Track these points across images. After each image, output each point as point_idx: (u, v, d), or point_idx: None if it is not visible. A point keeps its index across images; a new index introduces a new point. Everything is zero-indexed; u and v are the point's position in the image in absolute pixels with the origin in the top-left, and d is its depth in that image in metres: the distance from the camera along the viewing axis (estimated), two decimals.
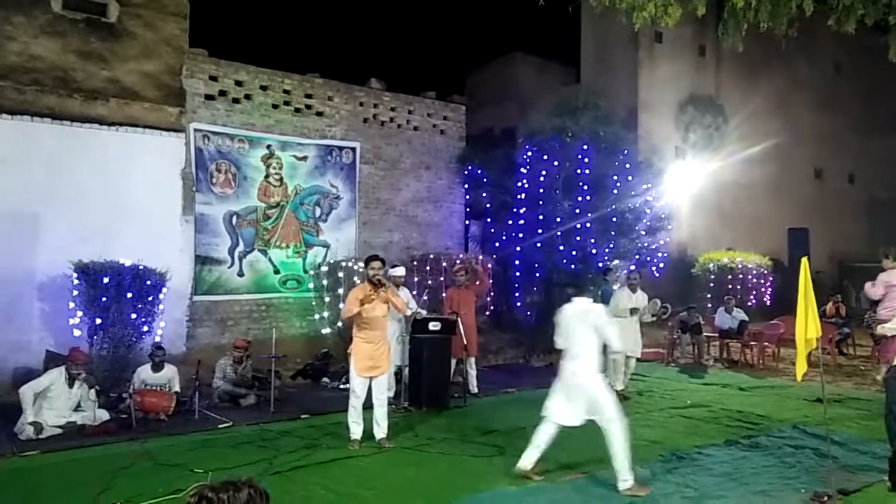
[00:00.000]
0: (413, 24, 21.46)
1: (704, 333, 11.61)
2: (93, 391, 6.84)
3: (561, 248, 11.46)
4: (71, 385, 6.72)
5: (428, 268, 11.18)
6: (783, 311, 12.26)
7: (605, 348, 5.47)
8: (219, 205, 10.23)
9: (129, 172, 9.30)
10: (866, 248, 17.36)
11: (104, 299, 8.14)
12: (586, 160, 11.65)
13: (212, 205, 10.16)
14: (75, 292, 8.24)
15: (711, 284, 14.56)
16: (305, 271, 11.02)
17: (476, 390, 8.64)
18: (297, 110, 11.05)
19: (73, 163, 8.93)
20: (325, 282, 10.61)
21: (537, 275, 11.80)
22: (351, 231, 11.56)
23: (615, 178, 11.94)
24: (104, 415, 6.82)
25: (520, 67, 19.45)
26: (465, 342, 8.22)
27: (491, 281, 10.97)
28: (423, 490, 5.12)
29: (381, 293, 6.26)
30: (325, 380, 9.21)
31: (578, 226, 11.45)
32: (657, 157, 14.28)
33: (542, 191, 11.78)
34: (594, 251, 11.51)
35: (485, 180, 12.72)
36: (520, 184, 12.06)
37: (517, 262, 12.02)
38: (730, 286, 14.17)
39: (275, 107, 10.82)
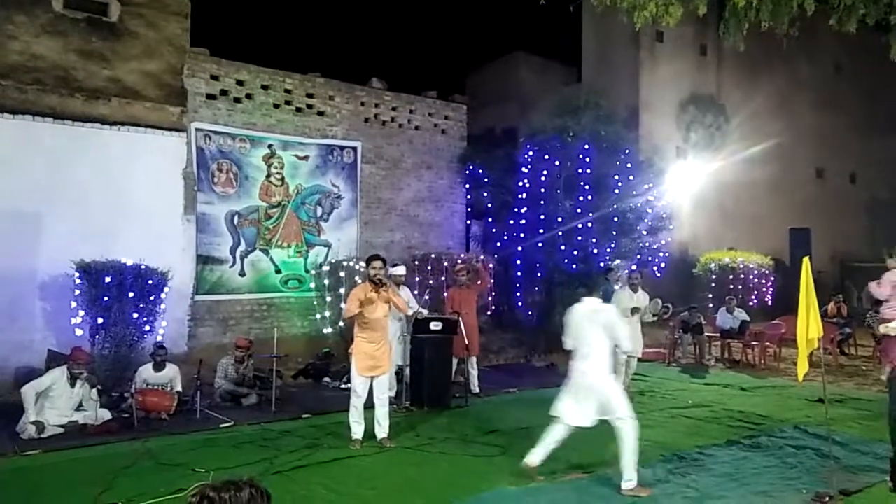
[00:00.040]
0: (414, 24, 21.44)
1: (706, 333, 11.59)
2: (94, 390, 6.86)
3: (562, 247, 11.44)
4: (73, 384, 6.73)
5: (429, 267, 11.19)
6: (785, 311, 12.26)
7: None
8: (220, 204, 10.24)
9: (130, 172, 9.31)
10: (868, 248, 17.35)
11: (106, 299, 8.15)
12: (587, 160, 11.63)
13: (213, 204, 10.17)
14: (77, 292, 8.25)
15: (713, 284, 14.54)
16: (307, 271, 11.02)
17: (477, 390, 8.64)
18: (299, 110, 11.05)
19: (74, 162, 8.94)
20: (326, 281, 10.62)
21: (539, 274, 11.79)
22: (352, 231, 11.56)
23: (616, 177, 11.93)
24: (106, 414, 6.84)
25: (521, 67, 19.39)
26: (467, 342, 8.21)
27: (492, 281, 10.98)
28: (425, 490, 5.12)
29: (382, 293, 6.26)
30: (327, 379, 9.22)
31: (580, 225, 11.44)
32: (658, 157, 14.23)
33: (543, 190, 11.77)
34: (595, 251, 11.49)
35: (486, 180, 12.72)
36: (521, 183, 12.05)
37: (518, 262, 12.01)
38: (731, 286, 14.15)
39: (276, 106, 10.82)
